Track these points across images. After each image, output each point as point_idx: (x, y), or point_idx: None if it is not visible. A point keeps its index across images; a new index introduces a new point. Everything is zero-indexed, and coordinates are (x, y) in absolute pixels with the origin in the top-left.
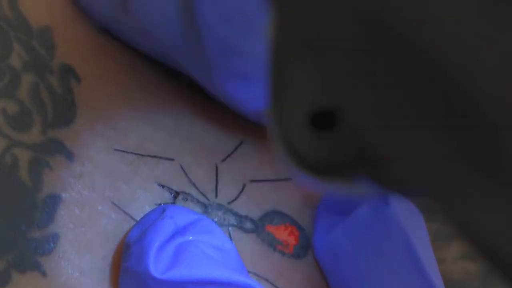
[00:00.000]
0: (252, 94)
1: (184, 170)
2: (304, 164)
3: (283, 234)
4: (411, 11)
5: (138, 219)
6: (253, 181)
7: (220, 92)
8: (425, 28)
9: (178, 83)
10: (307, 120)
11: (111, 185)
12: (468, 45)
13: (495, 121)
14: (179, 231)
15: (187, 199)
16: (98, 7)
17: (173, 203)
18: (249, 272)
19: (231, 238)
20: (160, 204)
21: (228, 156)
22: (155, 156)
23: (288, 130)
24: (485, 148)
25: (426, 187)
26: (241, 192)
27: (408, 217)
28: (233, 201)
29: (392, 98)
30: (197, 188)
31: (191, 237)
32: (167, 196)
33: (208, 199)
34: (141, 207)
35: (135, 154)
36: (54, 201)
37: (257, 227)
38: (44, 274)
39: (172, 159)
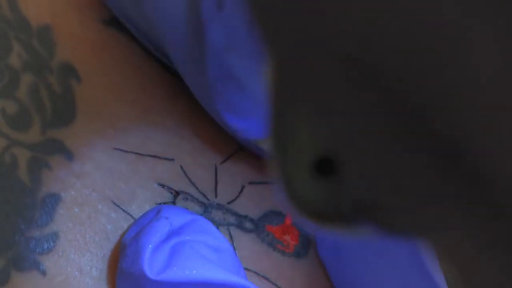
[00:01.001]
0: (248, 126)
1: (183, 170)
2: (308, 211)
3: (283, 234)
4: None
5: (137, 218)
6: (251, 183)
7: (216, 118)
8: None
9: (180, 83)
10: (311, 167)
11: (111, 184)
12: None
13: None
14: (175, 232)
15: (187, 199)
16: None
17: (173, 202)
18: (249, 270)
19: (231, 238)
20: (160, 203)
21: (227, 158)
22: (155, 156)
23: (291, 177)
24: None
25: (424, 233)
26: (240, 192)
27: None
28: (232, 201)
29: (394, 156)
30: (197, 188)
31: (187, 237)
32: (167, 196)
33: (208, 199)
34: (141, 206)
35: (135, 153)
36: (53, 200)
37: (257, 226)
38: (43, 272)
39: (172, 159)
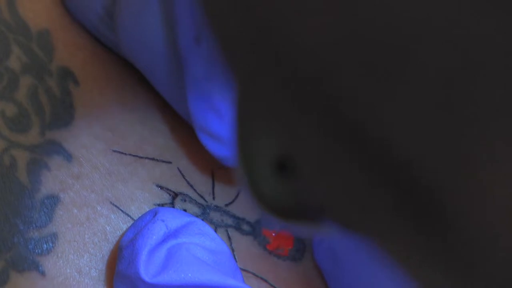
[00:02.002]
0: (229, 154)
1: (181, 173)
2: (271, 208)
3: (278, 237)
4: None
5: (135, 220)
6: None
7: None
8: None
9: None
10: (273, 166)
11: (110, 186)
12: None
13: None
14: (171, 234)
15: (185, 200)
16: (86, 16)
17: (172, 204)
18: (247, 271)
19: (229, 239)
20: (159, 205)
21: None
22: (152, 159)
23: (255, 175)
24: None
25: (369, 235)
26: (237, 195)
27: None
28: (230, 203)
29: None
30: (195, 190)
31: (183, 240)
32: (165, 197)
33: (206, 201)
34: (140, 207)
35: (133, 156)
36: (52, 201)
37: (254, 229)
38: (42, 273)
39: (170, 162)
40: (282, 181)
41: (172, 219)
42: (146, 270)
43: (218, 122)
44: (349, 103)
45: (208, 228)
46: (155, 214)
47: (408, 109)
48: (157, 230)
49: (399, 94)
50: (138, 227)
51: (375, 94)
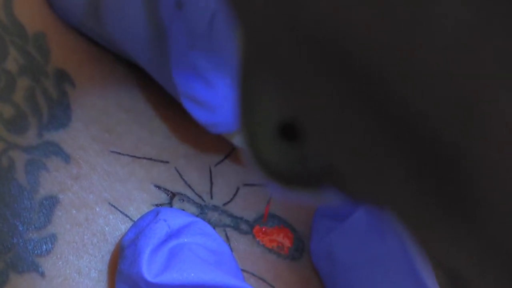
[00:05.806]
0: (217, 121)
1: (179, 173)
2: (273, 174)
3: (277, 236)
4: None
5: (135, 219)
6: (246, 185)
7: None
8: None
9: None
10: (276, 131)
11: (108, 187)
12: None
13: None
14: (173, 234)
15: (183, 200)
16: (71, 11)
17: (170, 204)
18: (246, 271)
19: (227, 239)
20: (157, 205)
21: (221, 161)
22: (150, 159)
23: (258, 141)
24: (448, 184)
25: (383, 202)
26: (235, 194)
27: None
28: (228, 203)
29: (348, 121)
30: (192, 190)
31: (185, 240)
32: (163, 197)
33: (204, 201)
34: (138, 208)
35: (131, 156)
36: (51, 202)
37: (252, 229)
38: (42, 274)
39: (167, 162)
40: (286, 146)
41: (174, 219)
42: (149, 269)
43: (204, 88)
44: (365, 56)
45: (209, 228)
46: (157, 214)
47: (428, 57)
48: (159, 230)
49: (418, 42)
50: (140, 227)
51: (393, 45)
